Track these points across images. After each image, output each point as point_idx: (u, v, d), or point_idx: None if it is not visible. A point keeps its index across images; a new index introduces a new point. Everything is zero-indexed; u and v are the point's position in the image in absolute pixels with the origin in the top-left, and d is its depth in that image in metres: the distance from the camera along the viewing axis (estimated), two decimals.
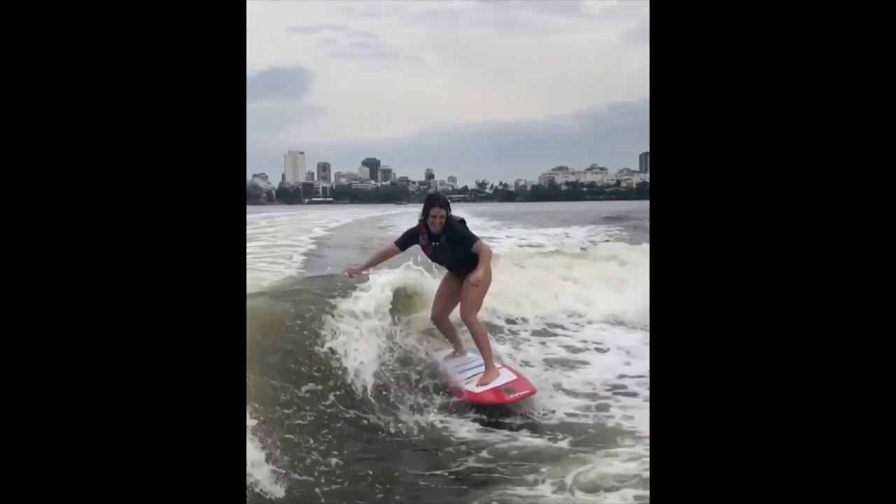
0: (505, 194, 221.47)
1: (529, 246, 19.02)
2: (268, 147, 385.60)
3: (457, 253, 5.76)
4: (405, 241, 6.00)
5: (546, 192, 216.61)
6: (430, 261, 6.20)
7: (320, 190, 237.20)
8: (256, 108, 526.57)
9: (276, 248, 17.79)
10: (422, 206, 5.85)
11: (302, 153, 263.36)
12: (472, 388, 5.47)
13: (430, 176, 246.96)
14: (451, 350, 6.28)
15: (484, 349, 5.69)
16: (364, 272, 6.26)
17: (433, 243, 5.81)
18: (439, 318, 6.17)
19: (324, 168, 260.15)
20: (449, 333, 6.25)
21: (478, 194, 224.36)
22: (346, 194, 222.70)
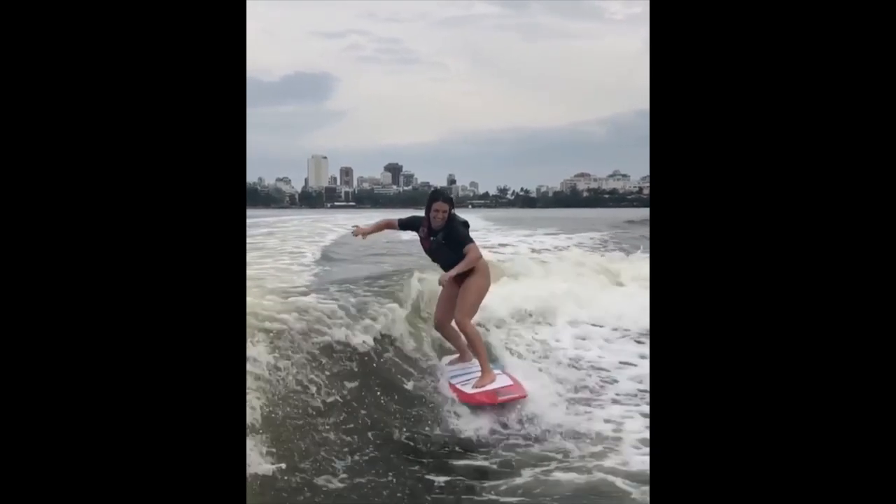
0: (526, 200, 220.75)
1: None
2: (291, 151, 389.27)
3: (452, 252, 5.71)
4: (406, 224, 6.02)
5: (568, 198, 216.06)
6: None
7: (343, 194, 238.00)
8: (281, 113, 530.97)
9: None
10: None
11: (325, 157, 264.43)
12: (468, 389, 5.49)
13: (451, 181, 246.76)
14: (456, 355, 6.26)
15: (479, 353, 5.69)
16: (366, 236, 6.23)
17: (431, 238, 5.77)
18: (441, 323, 6.14)
19: (346, 172, 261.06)
20: (453, 339, 6.22)
21: (499, 200, 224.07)
22: (368, 199, 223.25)
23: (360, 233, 6.23)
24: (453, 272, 5.61)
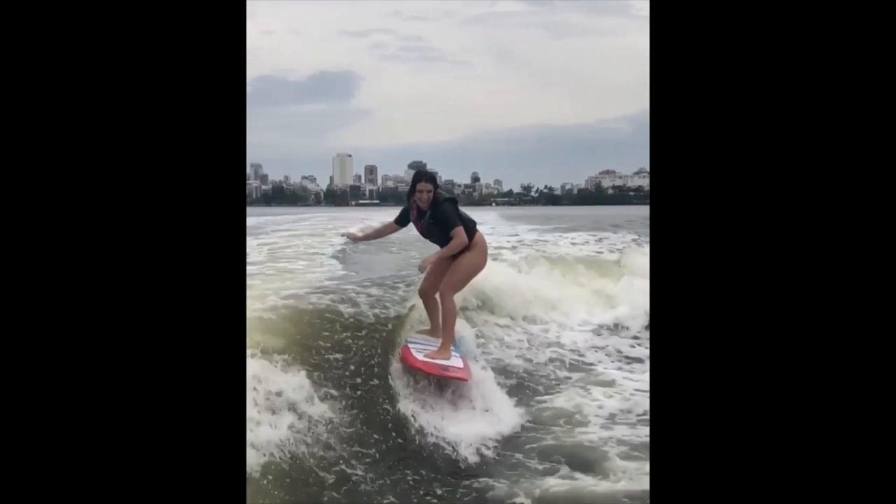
0: (550, 198, 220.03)
1: None
2: (316, 149, 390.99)
3: (444, 232, 5.73)
4: (402, 219, 6.11)
5: (592, 195, 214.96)
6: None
7: (367, 192, 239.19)
8: (306, 111, 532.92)
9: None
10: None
11: (350, 156, 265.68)
12: (419, 357, 5.49)
13: (475, 179, 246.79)
14: (427, 328, 6.29)
15: (447, 329, 5.71)
16: (358, 240, 6.53)
17: (422, 220, 5.82)
18: (426, 294, 6.18)
19: (371, 171, 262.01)
20: (431, 312, 6.22)
21: (523, 198, 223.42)
22: (392, 197, 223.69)
23: (352, 237, 6.48)
24: (433, 257, 5.68)
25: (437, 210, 5.70)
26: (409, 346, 5.75)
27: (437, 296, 5.94)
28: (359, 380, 5.11)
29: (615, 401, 5.78)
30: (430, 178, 5.82)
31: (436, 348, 5.70)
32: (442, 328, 5.81)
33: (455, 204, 5.85)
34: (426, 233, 5.92)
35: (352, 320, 5.80)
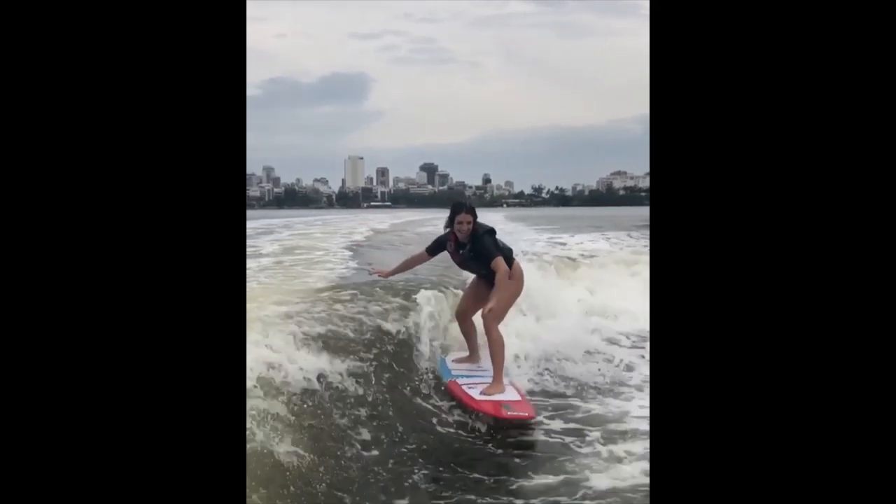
0: (561, 199, 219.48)
1: None
2: (328, 152, 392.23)
3: (482, 265, 5.63)
4: (435, 248, 5.93)
5: (604, 196, 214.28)
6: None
7: (379, 194, 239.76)
8: (318, 114, 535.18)
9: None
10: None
11: (361, 158, 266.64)
12: (474, 394, 5.40)
13: (486, 180, 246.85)
14: (465, 353, 6.21)
15: (497, 361, 5.57)
16: (387, 276, 6.28)
17: (460, 251, 5.70)
18: (463, 317, 6.11)
19: (383, 172, 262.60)
20: (468, 335, 6.15)
21: (534, 199, 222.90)
22: (403, 198, 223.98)
23: (379, 273, 6.31)
24: (493, 303, 5.40)
25: (477, 243, 5.57)
26: (458, 380, 5.66)
27: (482, 323, 5.76)
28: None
29: None
30: (470, 208, 5.67)
31: (483, 380, 5.61)
32: (493, 360, 5.65)
33: (494, 235, 5.71)
34: (463, 265, 5.82)
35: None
